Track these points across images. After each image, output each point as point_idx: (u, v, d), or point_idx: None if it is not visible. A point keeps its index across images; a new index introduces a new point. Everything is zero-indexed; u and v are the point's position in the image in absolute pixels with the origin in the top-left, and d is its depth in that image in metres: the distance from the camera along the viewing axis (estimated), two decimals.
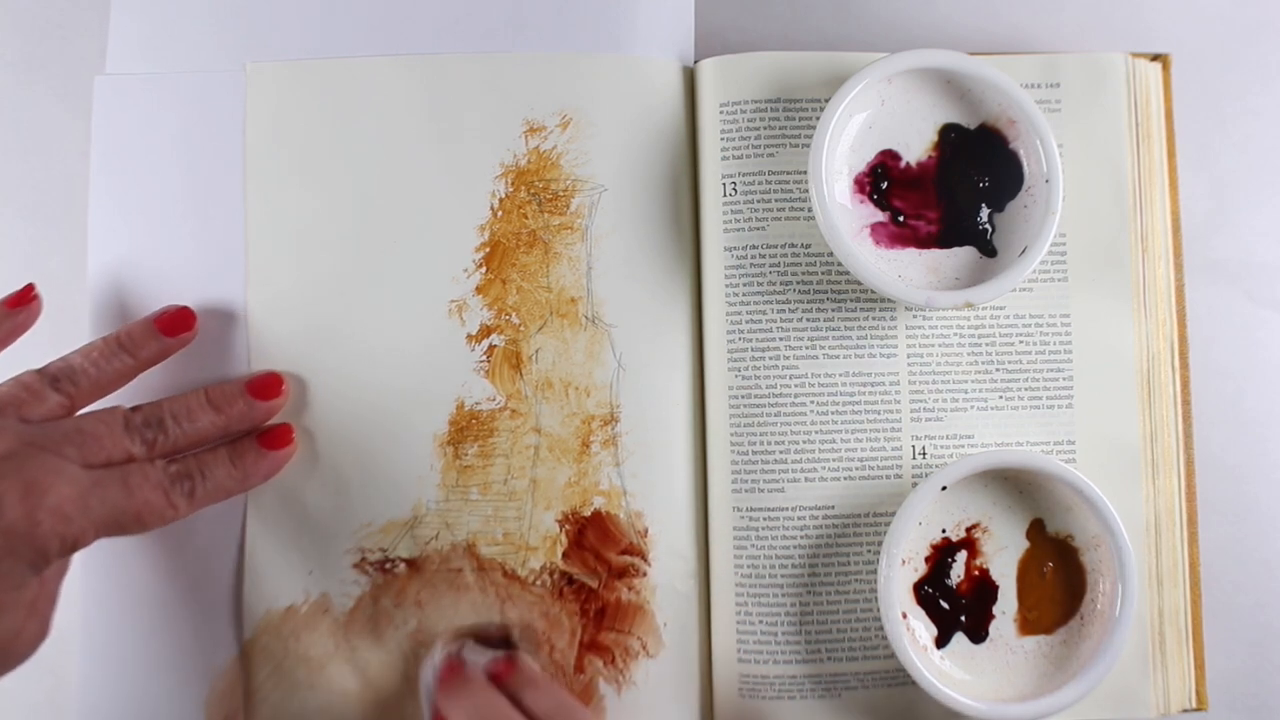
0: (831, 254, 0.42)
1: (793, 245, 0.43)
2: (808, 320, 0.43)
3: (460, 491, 0.43)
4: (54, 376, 0.39)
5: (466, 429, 0.43)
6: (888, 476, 0.43)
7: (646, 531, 0.43)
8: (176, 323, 0.42)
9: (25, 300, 0.40)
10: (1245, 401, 0.45)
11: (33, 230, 0.45)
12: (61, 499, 0.35)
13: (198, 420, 0.40)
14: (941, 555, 0.42)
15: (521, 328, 0.43)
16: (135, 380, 0.42)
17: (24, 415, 0.37)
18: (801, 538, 0.42)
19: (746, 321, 0.43)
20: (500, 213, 0.43)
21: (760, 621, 0.42)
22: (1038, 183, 0.42)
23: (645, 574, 0.42)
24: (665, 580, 0.43)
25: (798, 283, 0.43)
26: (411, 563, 0.43)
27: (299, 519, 0.43)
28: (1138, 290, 0.44)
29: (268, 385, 0.42)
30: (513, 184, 0.43)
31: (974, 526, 0.43)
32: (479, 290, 0.43)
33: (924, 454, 0.43)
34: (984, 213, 0.43)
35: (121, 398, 0.40)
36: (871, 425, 0.43)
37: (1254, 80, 0.46)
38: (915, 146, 0.43)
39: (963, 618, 0.42)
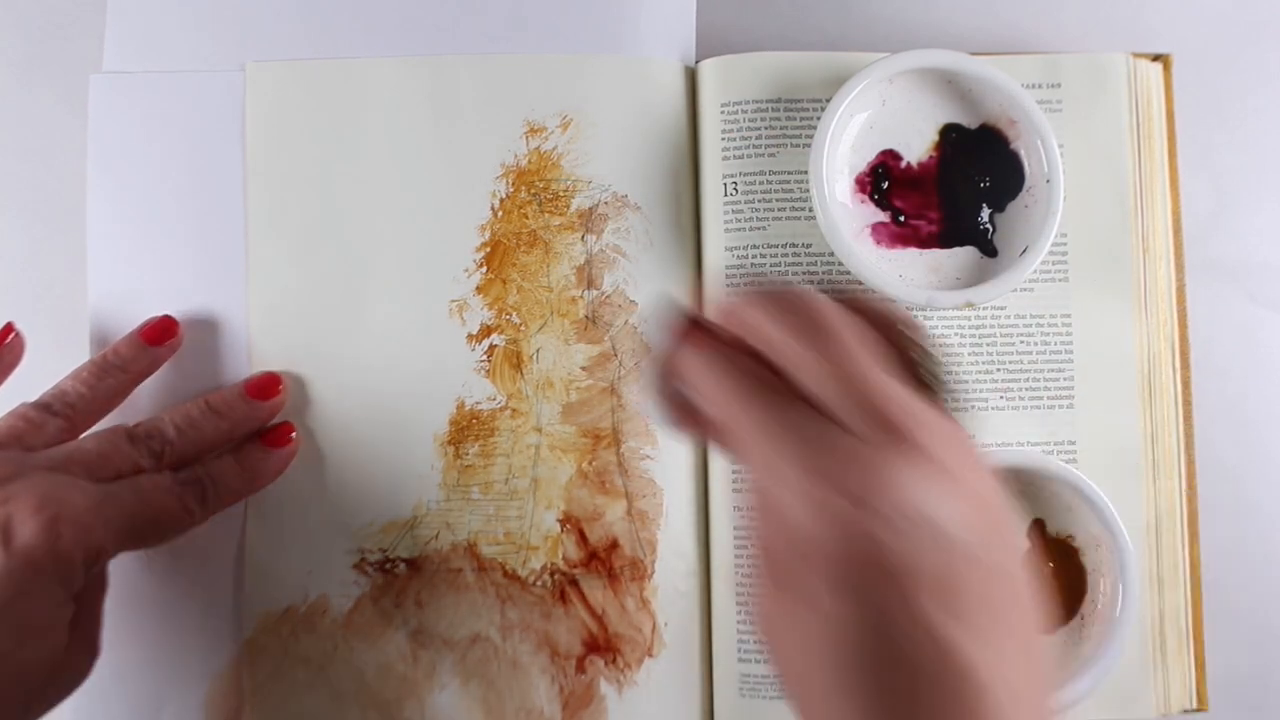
0: (832, 254, 0.42)
1: (794, 245, 0.43)
2: None
3: (461, 491, 0.43)
4: (48, 404, 0.39)
5: (467, 429, 0.43)
6: None
7: (649, 530, 0.43)
8: (160, 332, 0.42)
9: (4, 338, 0.41)
10: (1246, 401, 0.45)
11: (34, 230, 0.45)
12: (77, 510, 0.35)
13: (200, 427, 0.40)
14: None
15: (522, 327, 0.43)
16: (140, 394, 0.42)
17: (27, 446, 0.38)
18: None
19: None
20: (501, 213, 0.43)
21: None
22: (1038, 183, 0.42)
23: (647, 574, 0.42)
24: (666, 580, 0.43)
25: (799, 282, 0.43)
26: (411, 563, 0.43)
27: (299, 519, 0.43)
28: (1138, 290, 0.44)
29: (266, 385, 0.42)
30: (513, 184, 0.43)
31: None
32: (479, 290, 0.43)
33: None
34: (985, 213, 0.43)
35: (127, 416, 0.41)
36: None
37: (1254, 80, 0.46)
38: (916, 146, 0.43)
39: None
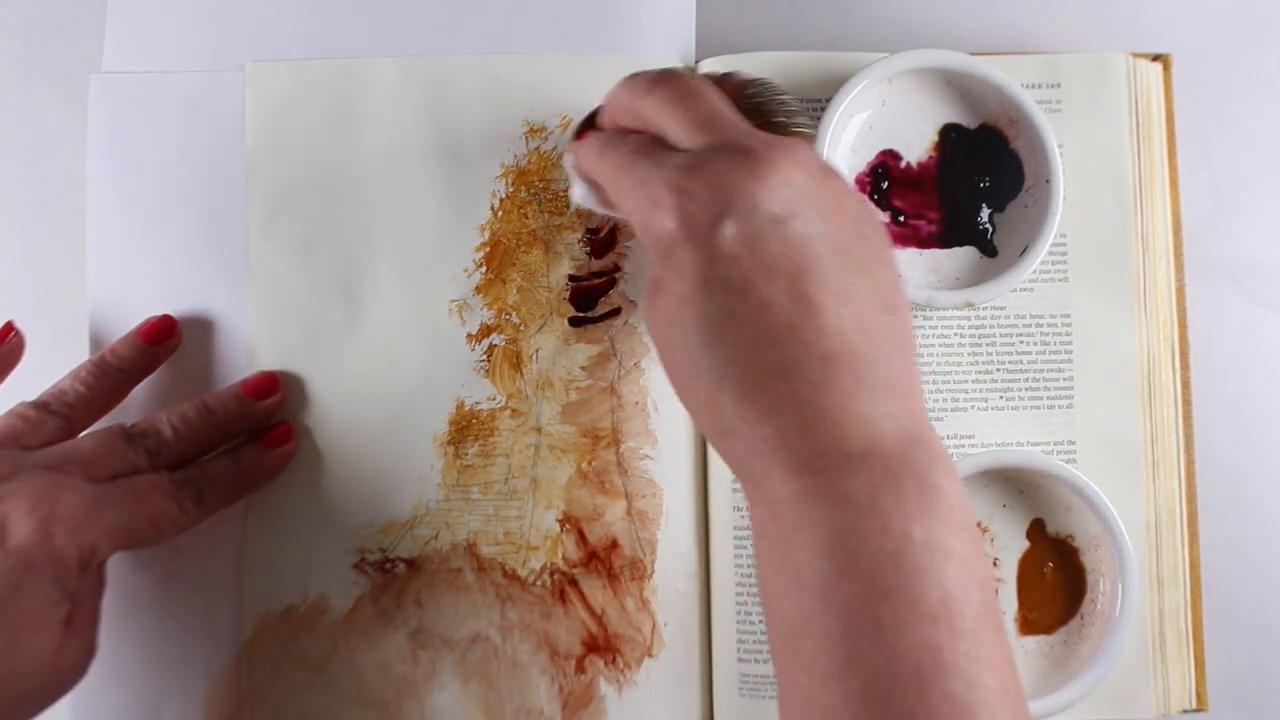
0: None
1: None
2: None
3: (461, 491, 0.43)
4: (46, 403, 0.39)
5: (467, 429, 0.43)
6: None
7: (648, 530, 0.43)
8: (159, 332, 0.42)
9: (4, 337, 0.41)
10: (1245, 401, 0.45)
11: (34, 230, 0.45)
12: (71, 509, 0.35)
13: (197, 427, 0.40)
14: None
15: (522, 327, 0.43)
16: (139, 394, 0.42)
17: (24, 445, 0.38)
18: None
19: None
20: (501, 213, 0.43)
21: (760, 621, 0.42)
22: (1038, 183, 0.42)
23: (647, 574, 0.42)
24: (666, 580, 0.43)
25: None
26: (411, 563, 0.43)
27: (299, 520, 0.43)
28: (1138, 290, 0.44)
29: (264, 386, 0.42)
30: (513, 184, 0.43)
31: None
32: (479, 290, 0.43)
33: None
34: (984, 213, 0.43)
35: (125, 416, 0.41)
36: None
37: (1254, 80, 0.46)
38: (916, 146, 0.43)
39: None
